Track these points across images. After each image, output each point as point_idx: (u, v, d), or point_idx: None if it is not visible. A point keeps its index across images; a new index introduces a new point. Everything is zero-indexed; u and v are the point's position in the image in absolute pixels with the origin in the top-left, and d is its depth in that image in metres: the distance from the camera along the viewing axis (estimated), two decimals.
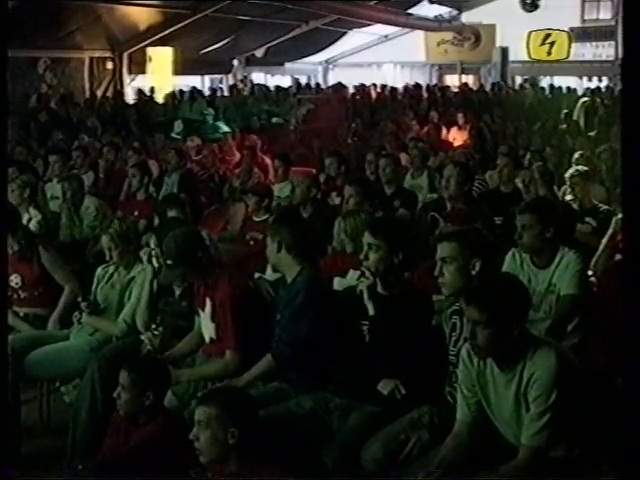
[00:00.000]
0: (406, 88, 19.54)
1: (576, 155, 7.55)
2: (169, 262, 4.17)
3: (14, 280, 5.02)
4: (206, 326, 4.14)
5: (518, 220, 4.10)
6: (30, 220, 6.19)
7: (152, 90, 15.27)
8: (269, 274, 4.68)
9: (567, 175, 6.34)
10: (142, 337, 4.33)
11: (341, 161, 7.27)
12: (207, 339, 4.16)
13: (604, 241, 5.06)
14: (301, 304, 3.80)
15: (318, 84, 21.35)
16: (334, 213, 5.50)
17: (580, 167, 6.50)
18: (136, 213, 6.71)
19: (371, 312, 3.62)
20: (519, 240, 4.08)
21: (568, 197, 6.24)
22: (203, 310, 4.14)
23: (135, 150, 9.09)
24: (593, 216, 5.91)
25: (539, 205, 4.33)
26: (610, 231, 5.07)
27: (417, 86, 19.49)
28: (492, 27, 23.05)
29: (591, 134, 11.32)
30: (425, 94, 18.14)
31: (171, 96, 14.96)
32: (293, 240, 3.89)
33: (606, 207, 5.99)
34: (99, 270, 4.86)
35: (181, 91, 15.59)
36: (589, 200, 6.13)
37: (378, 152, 7.71)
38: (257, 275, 4.92)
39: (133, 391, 3.43)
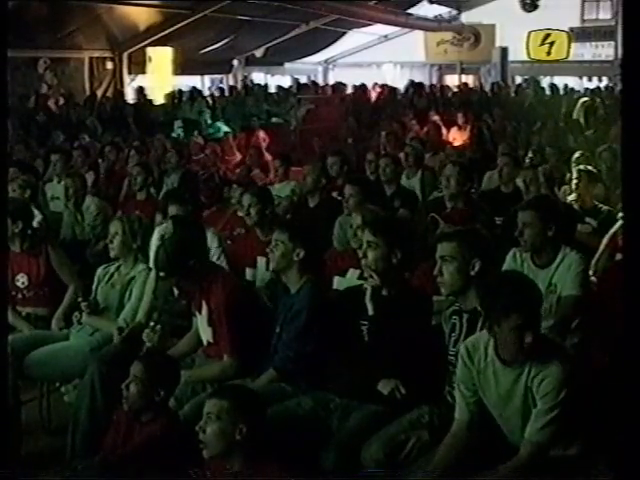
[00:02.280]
0: (407, 87, 19.49)
1: (576, 155, 7.54)
2: (161, 274, 4.17)
3: (20, 279, 5.00)
4: (203, 329, 4.14)
5: (519, 218, 4.09)
6: None
7: (151, 90, 15.27)
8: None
9: (574, 173, 6.32)
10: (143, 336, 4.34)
11: (344, 161, 7.27)
12: (205, 342, 4.16)
13: (605, 241, 5.05)
14: (306, 323, 3.77)
15: (315, 83, 21.30)
16: (339, 207, 5.48)
17: (588, 167, 6.49)
18: (137, 213, 6.69)
19: (370, 312, 3.62)
20: (520, 238, 4.07)
21: (571, 197, 6.23)
22: (200, 313, 4.13)
23: (138, 150, 9.07)
24: (594, 216, 5.90)
25: (540, 203, 4.33)
26: (612, 231, 5.07)
27: (419, 85, 19.45)
28: (492, 27, 23.03)
29: (590, 134, 11.30)
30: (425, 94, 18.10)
31: (171, 96, 14.96)
32: (308, 254, 3.86)
33: (607, 207, 5.98)
34: (99, 270, 4.86)
35: (180, 91, 15.59)
36: (590, 200, 6.12)
37: (378, 152, 7.71)
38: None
39: (144, 383, 3.41)
